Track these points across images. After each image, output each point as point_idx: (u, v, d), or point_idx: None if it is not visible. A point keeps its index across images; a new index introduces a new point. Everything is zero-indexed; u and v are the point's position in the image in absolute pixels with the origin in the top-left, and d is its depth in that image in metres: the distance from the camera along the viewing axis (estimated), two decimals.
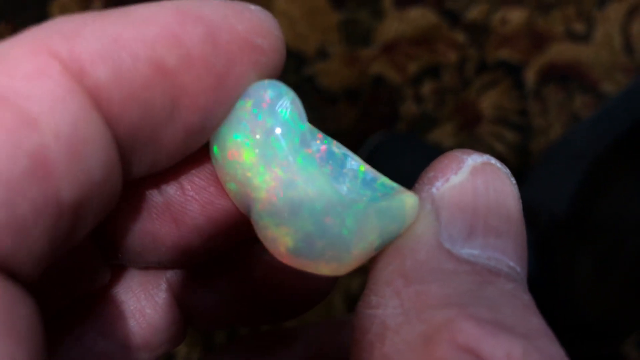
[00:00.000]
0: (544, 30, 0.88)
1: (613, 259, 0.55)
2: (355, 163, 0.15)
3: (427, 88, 0.85)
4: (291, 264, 0.14)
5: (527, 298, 0.13)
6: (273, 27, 0.14)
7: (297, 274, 0.17)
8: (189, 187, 0.16)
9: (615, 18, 0.88)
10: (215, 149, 0.14)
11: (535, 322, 0.12)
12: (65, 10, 0.91)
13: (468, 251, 0.13)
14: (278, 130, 0.14)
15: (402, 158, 0.73)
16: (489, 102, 0.84)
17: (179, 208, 0.16)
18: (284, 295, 0.18)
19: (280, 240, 0.14)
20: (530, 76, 0.86)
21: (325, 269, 0.14)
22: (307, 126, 0.14)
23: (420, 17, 0.89)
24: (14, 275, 0.11)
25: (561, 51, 0.87)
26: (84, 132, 0.11)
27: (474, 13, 0.89)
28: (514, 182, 0.14)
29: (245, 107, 0.14)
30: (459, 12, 0.89)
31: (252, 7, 0.14)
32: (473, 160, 0.14)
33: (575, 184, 0.56)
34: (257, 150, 0.14)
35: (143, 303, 0.18)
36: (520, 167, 0.81)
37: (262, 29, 0.14)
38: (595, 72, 0.86)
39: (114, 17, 0.12)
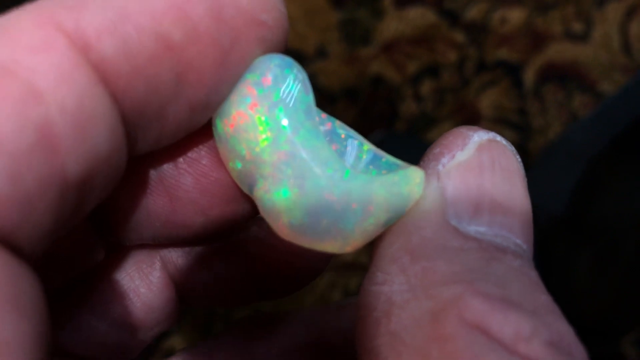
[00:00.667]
0: (543, 30, 0.88)
1: (611, 257, 0.55)
2: (358, 142, 0.15)
3: (426, 87, 0.85)
4: (295, 241, 0.14)
5: (534, 275, 0.13)
6: (277, 3, 0.14)
7: (292, 251, 0.18)
8: (181, 159, 0.15)
9: (613, 18, 0.88)
10: (218, 125, 0.14)
11: (543, 298, 0.12)
12: None
13: (475, 228, 0.13)
14: (283, 104, 0.13)
15: (402, 157, 0.73)
16: (488, 101, 0.85)
17: (172, 181, 0.15)
18: (279, 272, 0.18)
19: (284, 217, 0.13)
20: (529, 76, 0.86)
21: (330, 246, 0.14)
22: (312, 99, 0.14)
23: (419, 16, 0.89)
24: (18, 251, 0.11)
25: (560, 51, 0.87)
26: (89, 107, 0.11)
27: (473, 13, 0.89)
28: (520, 159, 0.14)
29: (250, 81, 0.14)
30: (458, 11, 0.90)
31: None
32: (479, 136, 0.14)
33: (574, 182, 0.57)
34: (262, 125, 0.14)
35: (137, 282, 0.18)
36: None
37: (266, 5, 0.14)
38: (593, 71, 0.86)
39: None
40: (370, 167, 0.15)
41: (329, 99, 0.84)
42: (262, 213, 0.14)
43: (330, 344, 0.20)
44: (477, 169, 0.14)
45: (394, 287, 0.12)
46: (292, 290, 0.19)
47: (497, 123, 0.84)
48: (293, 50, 0.87)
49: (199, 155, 0.15)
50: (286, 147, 0.13)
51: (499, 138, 0.14)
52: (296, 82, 0.14)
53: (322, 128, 0.15)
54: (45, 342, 0.11)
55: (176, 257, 0.18)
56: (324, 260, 0.19)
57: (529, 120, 0.84)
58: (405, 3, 0.90)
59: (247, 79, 0.14)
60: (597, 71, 0.86)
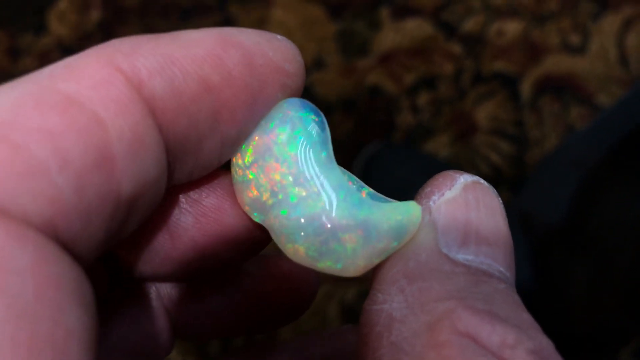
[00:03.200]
0: (540, 42, 0.88)
1: (609, 267, 0.55)
2: (359, 185, 0.17)
3: (423, 99, 0.86)
4: (305, 264, 0.16)
5: (517, 297, 0.14)
6: (297, 54, 0.16)
7: (284, 285, 0.20)
8: (183, 200, 0.17)
9: (610, 30, 0.89)
10: (238, 161, 0.16)
11: (526, 317, 0.14)
12: (63, 17, 0.91)
13: (463, 256, 0.15)
14: (299, 141, 0.16)
15: (398, 168, 0.73)
16: (484, 113, 0.85)
17: (174, 219, 0.17)
18: (272, 306, 0.20)
19: (296, 240, 0.15)
20: (525, 87, 0.86)
21: (335, 269, 0.16)
22: (328, 136, 0.16)
23: (416, 28, 0.90)
24: (77, 257, 0.12)
25: (557, 63, 0.87)
26: (142, 136, 0.13)
27: (470, 25, 0.90)
28: (500, 200, 0.16)
29: (268, 124, 0.16)
30: (455, 23, 0.90)
31: (279, 36, 0.16)
32: (464, 178, 0.16)
33: (571, 192, 0.57)
34: (282, 165, 0.15)
35: (134, 311, 0.18)
36: (516, 177, 0.81)
37: (288, 55, 0.16)
38: (590, 83, 0.86)
39: (165, 39, 0.14)
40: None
41: (326, 110, 0.84)
42: (274, 237, 0.16)
43: None
44: (464, 205, 0.15)
45: (393, 304, 0.14)
46: (282, 324, 0.20)
47: (494, 134, 0.84)
48: None
49: (200, 196, 0.17)
50: (299, 174, 0.15)
51: (482, 181, 0.16)
52: (312, 123, 0.16)
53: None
54: (97, 339, 0.12)
55: (170, 288, 0.19)
56: (312, 294, 0.20)
57: (525, 132, 0.84)
58: (402, 15, 0.90)
59: (273, 119, 0.16)
60: (593, 83, 0.86)
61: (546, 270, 0.59)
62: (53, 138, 0.12)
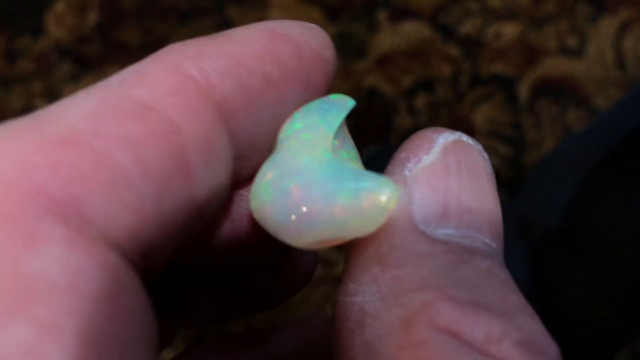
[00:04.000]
0: (537, 44, 0.89)
1: (606, 270, 0.55)
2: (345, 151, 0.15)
3: (420, 101, 0.86)
4: (262, 223, 0.14)
5: (504, 275, 0.13)
6: (330, 41, 0.16)
7: (281, 261, 0.18)
8: (240, 194, 0.16)
9: (607, 33, 0.89)
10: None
11: (514, 298, 0.12)
12: (60, 20, 0.91)
13: (442, 231, 0.13)
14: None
15: None
16: (482, 115, 0.85)
17: (232, 216, 0.16)
18: (270, 284, 0.19)
19: (258, 199, 0.14)
20: (523, 90, 0.86)
21: (291, 239, 0.14)
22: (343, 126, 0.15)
23: (414, 30, 0.90)
24: (150, 265, 0.12)
25: (554, 66, 0.87)
26: (214, 141, 0.13)
27: (467, 27, 0.90)
28: (487, 157, 0.14)
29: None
30: (453, 26, 0.90)
31: (312, 25, 0.16)
32: (444, 138, 0.14)
33: (569, 195, 0.57)
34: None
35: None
36: (514, 180, 0.81)
37: (326, 43, 0.16)
38: (587, 86, 0.86)
39: (223, 39, 0.14)
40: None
41: None
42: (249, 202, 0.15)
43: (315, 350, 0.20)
44: (443, 172, 0.14)
45: (365, 297, 0.13)
46: (282, 300, 0.19)
47: (491, 137, 0.84)
48: None
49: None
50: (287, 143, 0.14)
51: (464, 138, 0.15)
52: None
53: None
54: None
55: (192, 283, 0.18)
56: (311, 269, 0.19)
57: (523, 135, 0.84)
58: (400, 17, 0.90)
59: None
60: (591, 86, 0.86)
61: (544, 273, 0.59)
62: (134, 145, 0.12)
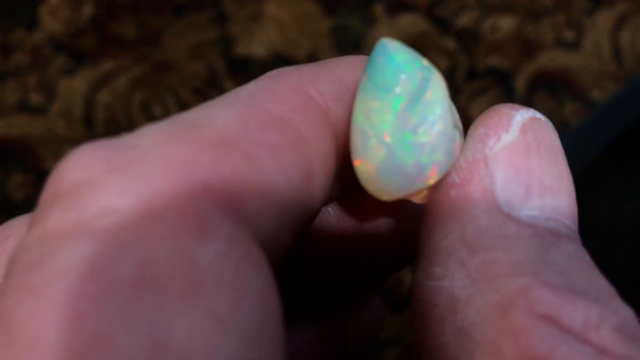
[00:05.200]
0: (534, 37, 0.88)
1: (604, 265, 0.55)
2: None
3: None
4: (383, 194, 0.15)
5: (588, 258, 0.13)
6: None
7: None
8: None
9: (604, 26, 0.89)
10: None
11: (602, 283, 0.12)
12: (55, 13, 0.90)
13: (526, 213, 0.13)
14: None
15: None
16: (479, 109, 0.85)
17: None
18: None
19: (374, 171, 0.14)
20: (520, 83, 0.86)
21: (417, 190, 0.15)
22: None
23: (410, 24, 0.89)
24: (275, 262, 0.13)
25: (551, 59, 0.87)
26: (330, 157, 0.14)
27: (464, 20, 0.89)
28: (558, 136, 0.15)
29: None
30: (449, 19, 0.90)
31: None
32: (521, 116, 0.14)
33: None
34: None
35: None
36: None
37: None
38: (584, 80, 0.86)
39: (332, 65, 0.15)
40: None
41: None
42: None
43: None
44: (524, 151, 0.14)
45: (454, 282, 0.12)
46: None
47: None
48: (284, 57, 0.87)
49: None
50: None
51: (538, 115, 0.15)
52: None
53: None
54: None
55: None
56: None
57: None
58: (396, 10, 0.90)
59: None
60: (587, 79, 0.86)
61: None
62: (277, 153, 0.13)
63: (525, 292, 0.12)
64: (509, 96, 0.85)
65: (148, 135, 0.12)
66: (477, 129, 0.14)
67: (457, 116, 0.15)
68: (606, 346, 0.11)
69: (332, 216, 0.17)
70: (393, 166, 0.14)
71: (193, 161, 0.11)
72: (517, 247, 0.12)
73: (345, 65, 0.15)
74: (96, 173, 0.11)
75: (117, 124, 0.83)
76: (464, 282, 0.12)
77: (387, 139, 0.14)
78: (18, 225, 0.13)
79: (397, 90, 0.14)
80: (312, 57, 0.87)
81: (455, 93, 0.85)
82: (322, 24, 0.89)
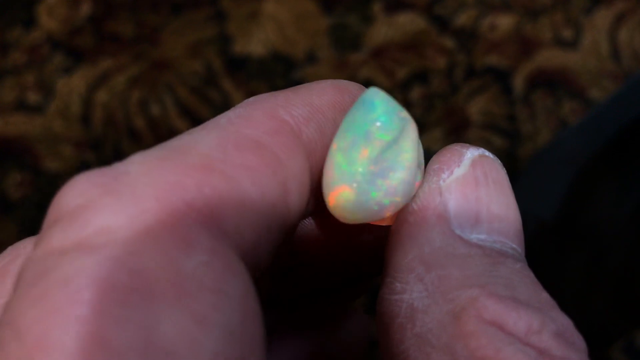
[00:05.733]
0: (532, 36, 0.88)
1: (601, 263, 0.55)
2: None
3: (415, 93, 0.85)
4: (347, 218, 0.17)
5: (532, 275, 0.15)
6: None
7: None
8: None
9: (602, 25, 0.89)
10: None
11: (545, 296, 0.14)
12: (52, 11, 0.90)
13: (476, 236, 0.15)
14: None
15: None
16: (477, 107, 0.85)
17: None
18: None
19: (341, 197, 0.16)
20: (518, 82, 0.86)
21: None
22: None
23: (409, 22, 0.89)
24: (255, 272, 0.15)
25: (549, 57, 0.87)
26: (304, 175, 0.15)
27: (462, 19, 0.89)
28: (505, 172, 0.17)
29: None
30: (448, 17, 0.90)
31: (361, 85, 0.18)
32: (471, 153, 0.16)
33: (563, 189, 0.57)
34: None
35: None
36: (509, 172, 0.81)
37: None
38: (582, 78, 0.86)
39: (304, 91, 0.17)
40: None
41: None
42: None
43: None
44: (474, 183, 0.16)
45: (413, 294, 0.14)
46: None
47: (487, 129, 0.84)
48: (282, 55, 0.87)
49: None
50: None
51: (487, 153, 0.16)
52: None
53: None
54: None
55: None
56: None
57: (518, 127, 0.84)
58: (395, 9, 0.90)
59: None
60: (586, 78, 0.86)
61: (538, 266, 0.59)
62: (253, 173, 0.14)
63: (474, 301, 0.13)
64: (508, 94, 0.85)
65: (137, 162, 0.13)
66: (432, 165, 0.16)
67: (422, 155, 0.17)
68: (546, 349, 0.13)
69: (309, 229, 0.19)
70: (358, 203, 0.16)
71: (177, 183, 0.13)
72: (467, 264, 0.14)
73: (316, 90, 0.17)
74: (92, 197, 0.12)
75: (115, 123, 0.83)
76: (421, 295, 0.14)
77: (358, 178, 0.15)
78: (24, 246, 0.15)
79: (377, 136, 0.16)
80: (310, 56, 0.87)
81: (454, 92, 0.85)
82: (320, 22, 0.89)
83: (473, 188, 0.15)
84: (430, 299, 0.14)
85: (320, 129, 0.16)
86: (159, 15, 0.90)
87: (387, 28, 0.89)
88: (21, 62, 0.87)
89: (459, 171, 0.16)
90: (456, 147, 0.16)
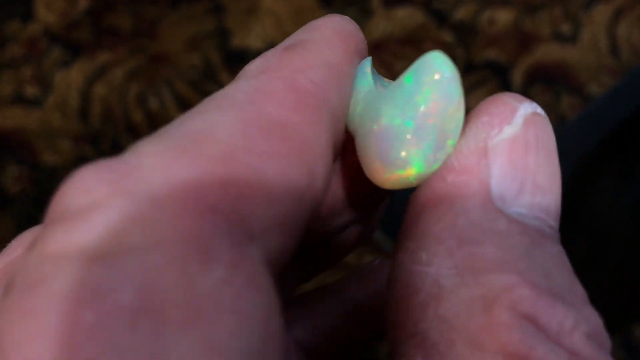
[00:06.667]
0: (531, 31, 0.88)
1: (599, 257, 0.55)
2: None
3: None
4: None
5: (568, 263, 0.13)
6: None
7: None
8: None
9: (601, 20, 0.89)
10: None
11: (579, 290, 0.13)
12: (50, 4, 0.90)
13: (516, 210, 0.13)
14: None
15: None
16: (476, 102, 0.84)
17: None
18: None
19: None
20: (517, 77, 0.86)
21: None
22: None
23: (408, 16, 0.89)
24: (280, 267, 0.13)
25: (548, 52, 0.87)
26: (329, 149, 0.14)
27: (461, 13, 0.89)
28: (554, 135, 0.15)
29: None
30: (447, 12, 0.89)
31: (345, 17, 0.17)
32: (525, 109, 0.14)
33: (563, 182, 0.57)
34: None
35: None
36: None
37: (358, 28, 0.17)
38: (581, 73, 0.86)
39: (312, 48, 0.15)
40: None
41: None
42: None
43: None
44: (524, 147, 0.14)
45: (441, 270, 0.12)
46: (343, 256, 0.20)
47: None
48: None
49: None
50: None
51: (539, 110, 0.14)
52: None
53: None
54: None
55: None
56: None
57: None
58: (394, 3, 0.90)
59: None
60: (584, 73, 0.86)
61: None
62: (280, 161, 0.12)
63: (509, 289, 0.12)
64: (506, 89, 0.85)
65: (150, 154, 0.12)
66: (480, 116, 0.14)
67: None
68: (577, 351, 0.12)
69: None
70: (421, 178, 0.14)
71: (197, 181, 0.11)
72: (505, 244, 0.13)
73: (325, 43, 0.15)
74: (99, 196, 0.11)
75: (113, 117, 0.83)
76: (450, 272, 0.12)
77: (427, 154, 0.14)
78: (22, 242, 0.14)
79: (430, 108, 0.14)
80: None
81: None
82: (318, 16, 0.88)
83: (522, 153, 0.14)
84: (460, 278, 0.12)
85: (341, 92, 0.15)
86: (157, 9, 0.90)
87: (386, 22, 0.89)
88: (19, 56, 0.87)
89: (509, 130, 0.14)
90: (509, 99, 0.14)
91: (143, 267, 0.10)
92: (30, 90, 0.85)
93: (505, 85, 0.85)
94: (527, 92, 0.85)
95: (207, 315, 0.10)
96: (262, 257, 0.12)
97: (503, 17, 0.89)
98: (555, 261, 0.13)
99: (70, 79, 0.85)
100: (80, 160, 0.80)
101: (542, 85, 0.86)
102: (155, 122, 0.83)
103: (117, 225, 0.11)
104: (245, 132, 0.12)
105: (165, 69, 0.86)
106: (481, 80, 0.86)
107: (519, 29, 0.88)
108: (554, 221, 0.14)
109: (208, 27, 0.89)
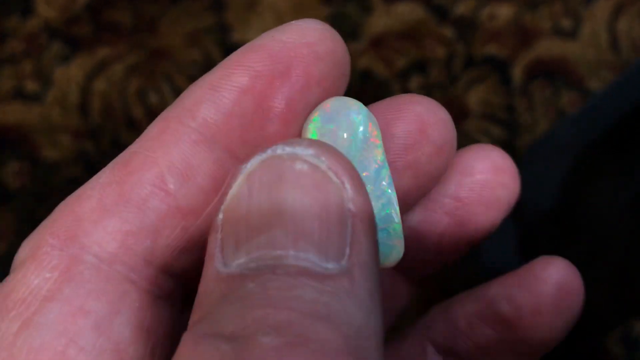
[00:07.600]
0: (532, 26, 0.88)
1: (598, 253, 0.55)
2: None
3: (414, 83, 0.85)
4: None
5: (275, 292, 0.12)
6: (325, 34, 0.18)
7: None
8: None
9: (601, 15, 0.88)
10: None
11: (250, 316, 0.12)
12: (50, 0, 0.90)
13: (237, 262, 0.12)
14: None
15: None
16: (476, 97, 0.85)
17: None
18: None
19: None
20: (517, 72, 0.86)
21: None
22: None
23: (408, 12, 0.89)
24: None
25: (548, 47, 0.87)
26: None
27: (461, 8, 0.89)
28: (306, 164, 0.12)
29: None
30: (447, 7, 0.89)
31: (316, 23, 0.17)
32: (251, 164, 0.13)
33: (561, 178, 0.57)
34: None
35: None
36: None
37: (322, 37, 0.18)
38: (581, 69, 0.86)
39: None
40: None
41: None
42: None
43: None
44: (247, 196, 0.12)
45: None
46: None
47: (485, 119, 0.84)
48: None
49: None
50: None
51: (278, 152, 0.13)
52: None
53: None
54: None
55: None
56: None
57: (516, 117, 0.84)
58: None
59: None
60: (585, 68, 0.86)
61: (536, 256, 0.59)
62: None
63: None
64: (507, 84, 0.85)
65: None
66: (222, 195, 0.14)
67: None
68: None
69: None
70: None
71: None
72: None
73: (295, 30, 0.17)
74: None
75: (113, 112, 0.83)
76: None
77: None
78: None
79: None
80: None
81: (453, 81, 0.85)
82: (318, 11, 0.89)
83: (245, 201, 0.12)
84: None
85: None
86: (158, 4, 0.90)
87: (386, 18, 0.88)
88: (19, 51, 0.87)
89: (232, 191, 0.13)
90: (239, 165, 0.14)
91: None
92: (30, 86, 0.85)
93: (505, 81, 0.85)
94: (527, 87, 0.85)
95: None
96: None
97: (503, 12, 0.89)
98: (230, 302, 0.12)
99: (70, 74, 0.85)
100: (80, 155, 0.80)
101: (542, 80, 0.86)
102: (155, 117, 0.83)
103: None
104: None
105: (166, 65, 0.86)
106: (481, 75, 0.86)
107: (519, 25, 0.88)
108: (292, 247, 0.12)
109: (208, 22, 0.89)
